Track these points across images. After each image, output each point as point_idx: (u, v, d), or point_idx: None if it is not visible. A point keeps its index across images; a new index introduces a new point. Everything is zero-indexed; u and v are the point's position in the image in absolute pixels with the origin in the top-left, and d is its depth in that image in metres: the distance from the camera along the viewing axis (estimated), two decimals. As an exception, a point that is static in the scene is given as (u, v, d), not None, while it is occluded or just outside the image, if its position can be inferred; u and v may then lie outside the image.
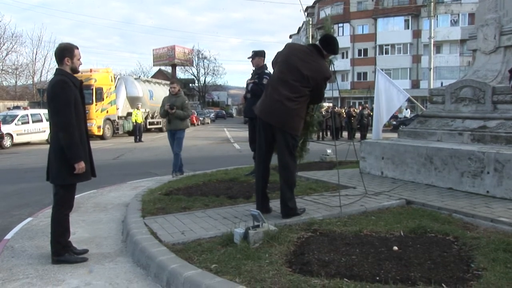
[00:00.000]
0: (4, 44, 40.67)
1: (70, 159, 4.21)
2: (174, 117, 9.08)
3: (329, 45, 5.24)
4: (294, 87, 4.98)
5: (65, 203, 4.45)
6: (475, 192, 6.13)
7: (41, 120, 21.76)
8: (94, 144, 4.89)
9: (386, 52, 51.81)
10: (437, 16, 42.69)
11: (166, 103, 9.13)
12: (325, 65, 5.30)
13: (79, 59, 4.43)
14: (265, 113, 5.11)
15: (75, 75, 4.46)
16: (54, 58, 4.50)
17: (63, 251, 4.39)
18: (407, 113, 35.18)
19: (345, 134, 25.27)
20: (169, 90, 9.66)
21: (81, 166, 4.24)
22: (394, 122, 31.61)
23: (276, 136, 5.10)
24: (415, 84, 48.98)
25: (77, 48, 4.45)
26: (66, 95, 4.21)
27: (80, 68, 4.62)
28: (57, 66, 4.41)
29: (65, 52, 4.34)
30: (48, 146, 4.51)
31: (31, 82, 47.09)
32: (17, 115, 21.22)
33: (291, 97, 4.96)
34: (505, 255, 3.77)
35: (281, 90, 5.00)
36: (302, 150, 5.91)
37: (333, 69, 5.82)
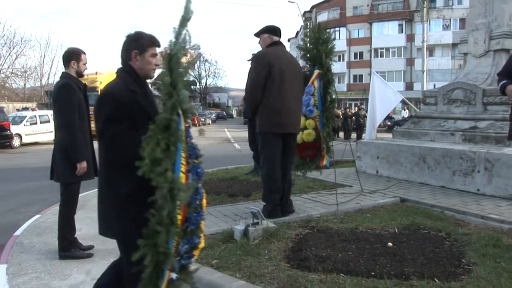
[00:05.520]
0: (14, 48, 40.51)
1: (72, 159, 4.22)
2: None
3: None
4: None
5: (72, 201, 4.47)
6: (466, 190, 6.14)
7: (49, 121, 21.66)
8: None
9: (381, 55, 51.73)
10: (429, 21, 42.68)
11: None
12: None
13: (85, 64, 4.46)
14: None
15: (80, 78, 4.48)
16: (61, 62, 4.53)
17: (69, 247, 4.40)
18: (405, 114, 35.14)
19: (341, 134, 25.26)
20: None
21: (82, 165, 4.25)
22: (389, 123, 31.57)
23: None
24: (409, 86, 48.92)
25: (84, 53, 4.48)
26: (71, 98, 4.23)
27: (86, 71, 4.63)
28: (63, 69, 4.43)
29: (72, 56, 4.38)
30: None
31: (39, 85, 47.04)
32: (26, 116, 21.17)
33: None
34: (494, 250, 3.78)
35: None
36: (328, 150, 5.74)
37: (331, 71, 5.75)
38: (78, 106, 4.27)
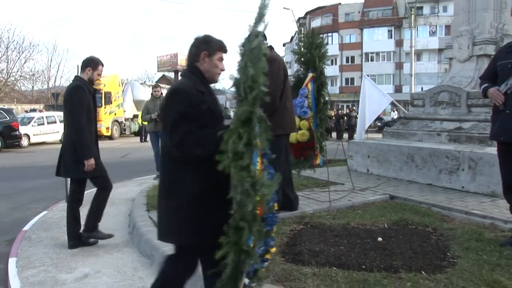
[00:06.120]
0: (22, 53, 40.42)
1: (81, 156, 4.27)
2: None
3: None
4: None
5: (79, 195, 4.58)
6: (452, 188, 6.17)
7: (55, 122, 21.70)
8: (102, 144, 4.94)
9: (372, 60, 51.81)
10: (417, 27, 42.74)
11: (153, 112, 8.60)
12: None
13: (99, 74, 4.56)
14: None
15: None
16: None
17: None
18: (395, 115, 35.26)
19: (334, 134, 25.28)
20: (151, 93, 9.27)
21: (90, 162, 4.30)
22: (379, 124, 31.57)
23: None
24: (398, 89, 49.00)
25: (102, 65, 4.58)
26: (81, 99, 4.31)
27: None
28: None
29: (90, 63, 4.48)
30: (61, 145, 4.56)
31: (46, 87, 46.96)
32: (34, 117, 21.18)
33: None
34: (477, 244, 3.81)
35: None
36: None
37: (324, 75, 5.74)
38: (87, 108, 4.34)
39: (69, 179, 5.29)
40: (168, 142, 2.31)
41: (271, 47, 5.02)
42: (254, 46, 2.06)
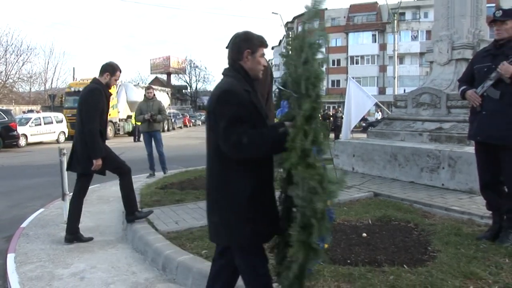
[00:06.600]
0: (21, 56, 40.06)
1: (91, 156, 4.33)
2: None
3: None
4: None
5: (85, 190, 4.65)
6: (432, 185, 6.21)
7: (52, 122, 21.53)
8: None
9: (357, 63, 52.07)
10: (400, 32, 42.98)
11: (146, 112, 8.54)
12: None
13: (116, 80, 4.61)
14: None
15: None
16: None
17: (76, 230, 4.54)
18: (378, 116, 35.48)
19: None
20: (144, 94, 9.20)
21: (98, 163, 4.37)
22: (364, 124, 31.67)
23: None
24: (382, 91, 49.30)
25: (120, 72, 4.63)
26: (98, 101, 4.38)
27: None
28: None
29: (109, 68, 4.52)
30: (57, 145, 4.55)
31: (43, 89, 46.60)
32: (31, 118, 20.97)
33: None
34: (456, 239, 3.84)
35: None
36: None
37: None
38: (101, 111, 4.41)
39: (65, 177, 5.28)
40: (223, 144, 2.13)
41: None
42: (313, 42, 1.94)
